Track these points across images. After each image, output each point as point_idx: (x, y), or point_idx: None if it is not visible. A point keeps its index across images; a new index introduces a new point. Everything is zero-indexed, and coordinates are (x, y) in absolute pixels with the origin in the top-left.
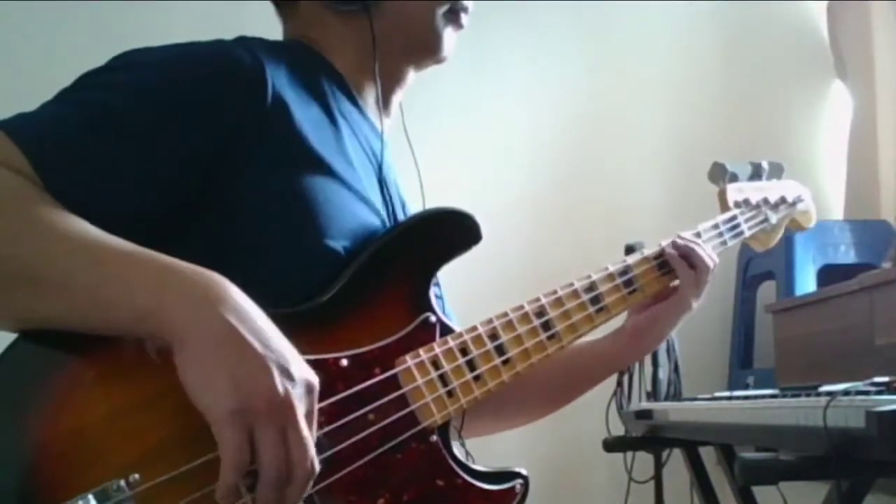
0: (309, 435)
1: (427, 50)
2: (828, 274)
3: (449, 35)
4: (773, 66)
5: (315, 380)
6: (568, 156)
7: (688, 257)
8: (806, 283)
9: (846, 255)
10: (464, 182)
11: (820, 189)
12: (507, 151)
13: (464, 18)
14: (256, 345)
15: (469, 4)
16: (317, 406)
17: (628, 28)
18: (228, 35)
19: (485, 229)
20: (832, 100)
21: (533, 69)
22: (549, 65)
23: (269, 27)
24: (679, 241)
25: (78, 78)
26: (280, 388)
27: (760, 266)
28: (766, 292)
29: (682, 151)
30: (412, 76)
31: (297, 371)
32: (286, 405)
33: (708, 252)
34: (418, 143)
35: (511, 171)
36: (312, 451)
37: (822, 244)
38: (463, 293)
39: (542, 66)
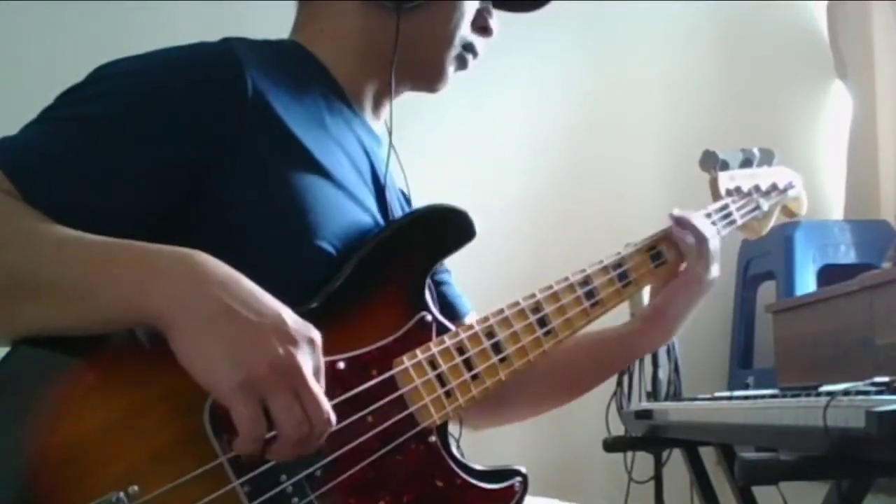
0: (320, 391)
1: (428, 77)
2: (828, 274)
3: (451, 71)
4: (773, 66)
5: (316, 335)
6: (567, 155)
7: (677, 234)
8: (806, 283)
9: (846, 255)
10: (463, 181)
11: (820, 189)
12: (507, 150)
13: (470, 62)
14: (249, 314)
15: (480, 51)
16: (322, 360)
17: (628, 28)
18: (229, 34)
19: (484, 228)
20: (832, 100)
21: (532, 69)
22: (548, 63)
23: (269, 27)
24: (674, 218)
25: (58, 96)
26: (281, 352)
27: (760, 266)
28: (766, 292)
29: (681, 151)
30: (405, 91)
31: (295, 331)
32: (291, 367)
33: (705, 224)
34: (418, 143)
35: (510, 169)
36: (326, 405)
37: (822, 244)
38: (463, 292)
39: (542, 65)
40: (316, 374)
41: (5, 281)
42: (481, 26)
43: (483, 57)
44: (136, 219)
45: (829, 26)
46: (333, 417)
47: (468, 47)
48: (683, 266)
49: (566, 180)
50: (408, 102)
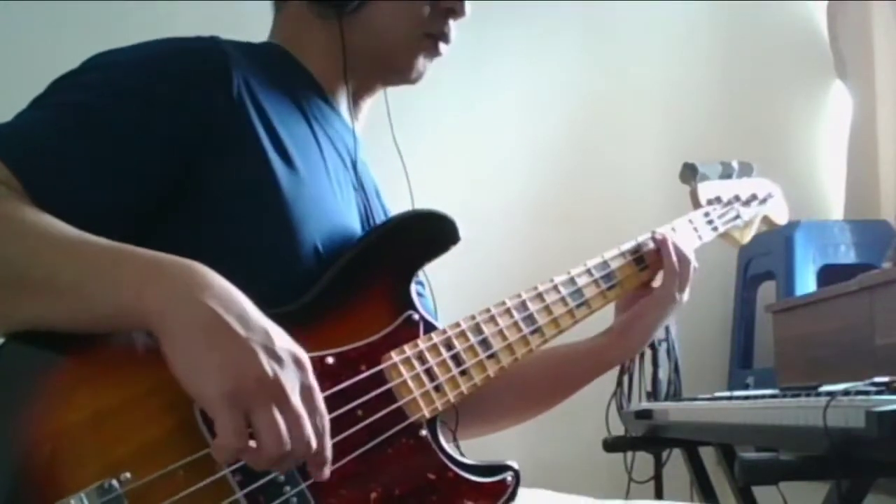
0: (303, 412)
1: (394, 72)
2: (828, 274)
3: (421, 61)
4: (773, 66)
5: (302, 354)
6: (567, 155)
7: (665, 250)
8: (806, 283)
9: (846, 255)
10: (462, 182)
11: (820, 189)
12: (506, 151)
13: (443, 48)
14: (239, 329)
15: (453, 35)
16: (313, 379)
17: (628, 28)
18: (229, 34)
19: (484, 228)
20: (832, 100)
21: (532, 69)
22: (548, 64)
23: (268, 28)
24: (656, 236)
25: (50, 84)
26: (268, 370)
27: (760, 266)
28: (766, 292)
29: (681, 151)
30: (380, 88)
31: (282, 350)
32: (276, 385)
33: (686, 245)
34: (417, 143)
35: (509, 170)
36: (308, 427)
37: (822, 244)
38: (462, 293)
39: (542, 66)
40: (304, 392)
41: (2, 273)
42: (447, 9)
43: (483, 57)
44: (124, 210)
45: (829, 26)
46: (314, 442)
47: (434, 34)
48: (657, 282)
49: (566, 180)
50: (407, 102)
